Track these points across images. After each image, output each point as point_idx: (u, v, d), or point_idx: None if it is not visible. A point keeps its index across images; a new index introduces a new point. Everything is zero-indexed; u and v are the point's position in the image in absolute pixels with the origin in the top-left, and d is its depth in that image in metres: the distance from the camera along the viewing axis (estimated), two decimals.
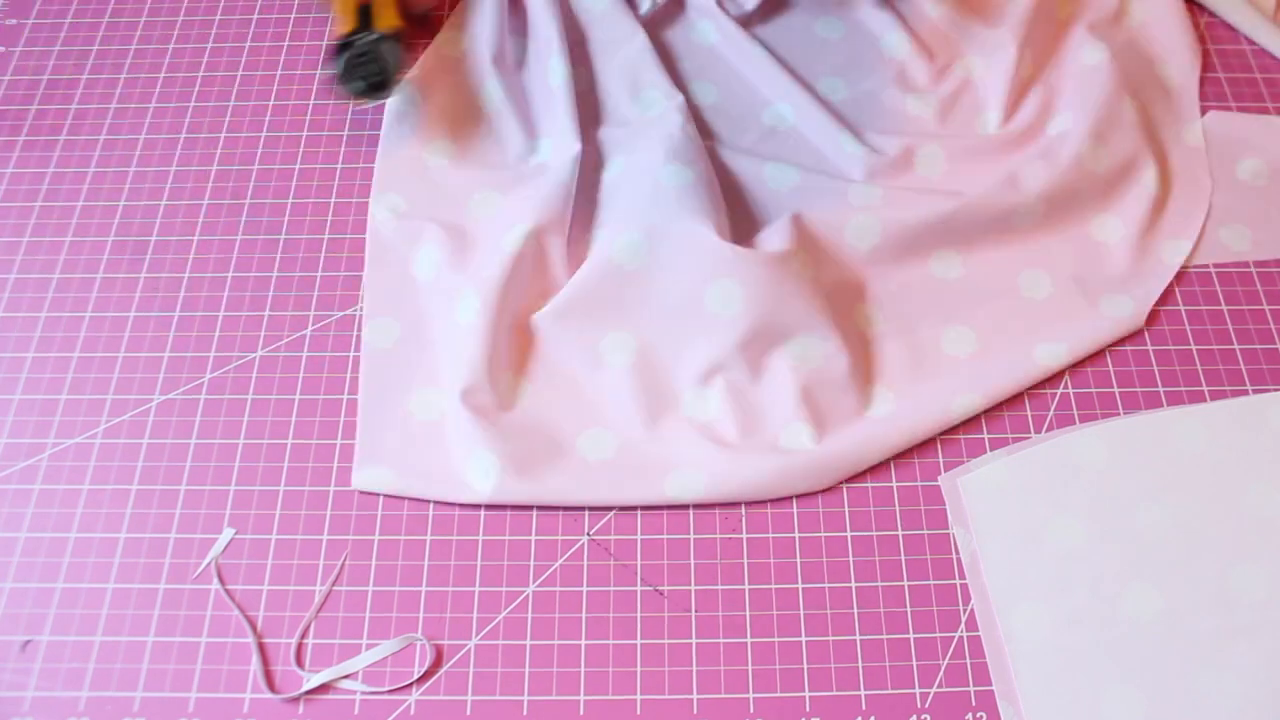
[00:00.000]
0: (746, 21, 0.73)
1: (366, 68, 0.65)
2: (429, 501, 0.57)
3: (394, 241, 0.65)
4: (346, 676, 0.53)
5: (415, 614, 0.54)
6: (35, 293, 0.64)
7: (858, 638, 0.54)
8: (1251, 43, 0.74)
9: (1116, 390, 0.60)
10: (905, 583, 0.55)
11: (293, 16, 0.76)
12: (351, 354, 0.62)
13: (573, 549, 0.56)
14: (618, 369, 0.60)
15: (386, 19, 0.67)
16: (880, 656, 0.53)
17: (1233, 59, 0.73)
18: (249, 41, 0.75)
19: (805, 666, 0.53)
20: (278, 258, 0.65)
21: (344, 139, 0.70)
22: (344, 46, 0.65)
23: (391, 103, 0.69)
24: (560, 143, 0.66)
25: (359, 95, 0.66)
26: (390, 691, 0.52)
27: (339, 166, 0.69)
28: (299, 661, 0.53)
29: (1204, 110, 0.70)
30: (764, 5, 0.74)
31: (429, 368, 0.60)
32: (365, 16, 0.66)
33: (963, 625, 0.54)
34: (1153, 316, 0.63)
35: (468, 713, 0.52)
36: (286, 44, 0.74)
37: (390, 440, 0.58)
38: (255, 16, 0.76)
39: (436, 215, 0.66)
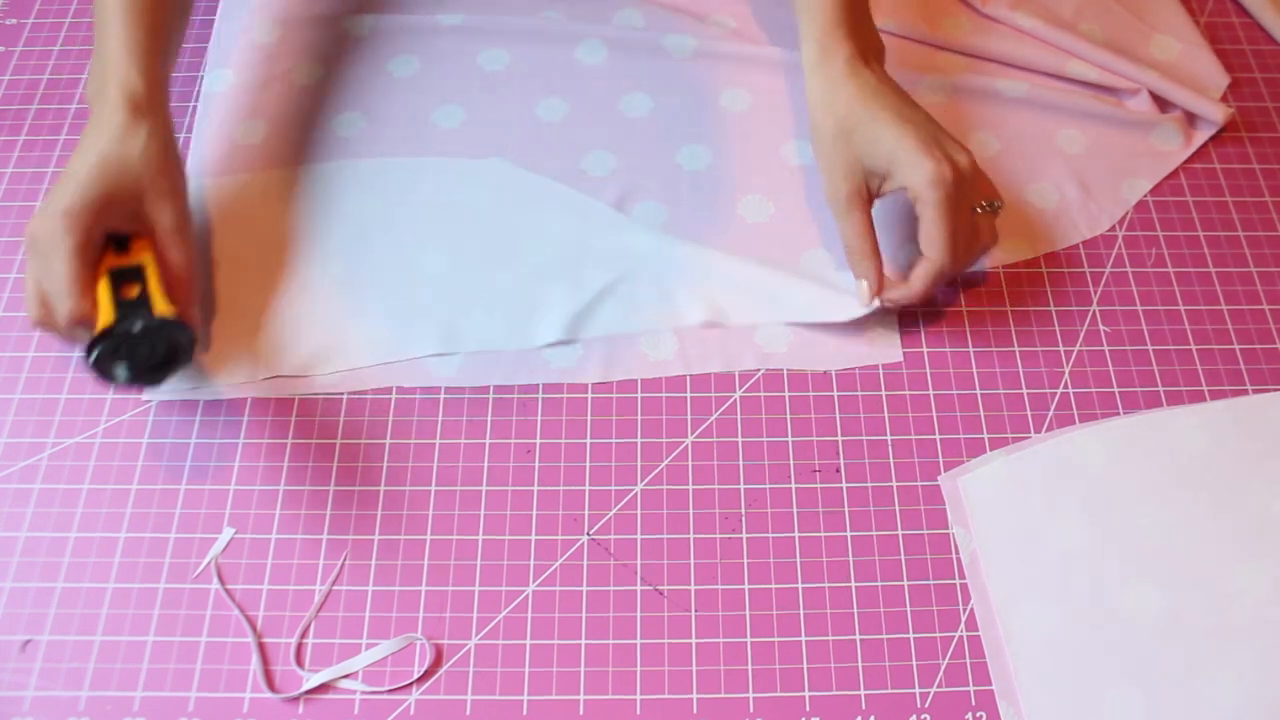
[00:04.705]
0: None
1: (140, 350, 0.54)
2: (427, 498, 0.57)
3: None
4: (346, 676, 0.53)
5: (415, 614, 0.54)
6: None
7: (858, 638, 0.54)
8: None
9: (1116, 390, 0.60)
10: (905, 583, 0.55)
11: None
12: None
13: (573, 549, 0.56)
14: None
15: (162, 305, 0.54)
16: (880, 656, 0.53)
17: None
18: None
19: (805, 666, 0.53)
20: None
21: None
22: (104, 336, 0.53)
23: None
24: None
25: (124, 381, 0.54)
26: (390, 691, 0.52)
27: None
28: (299, 661, 0.53)
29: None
30: None
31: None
32: (127, 309, 0.54)
33: (963, 625, 0.54)
34: (1153, 316, 0.63)
35: (468, 713, 0.52)
36: None
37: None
38: None
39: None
